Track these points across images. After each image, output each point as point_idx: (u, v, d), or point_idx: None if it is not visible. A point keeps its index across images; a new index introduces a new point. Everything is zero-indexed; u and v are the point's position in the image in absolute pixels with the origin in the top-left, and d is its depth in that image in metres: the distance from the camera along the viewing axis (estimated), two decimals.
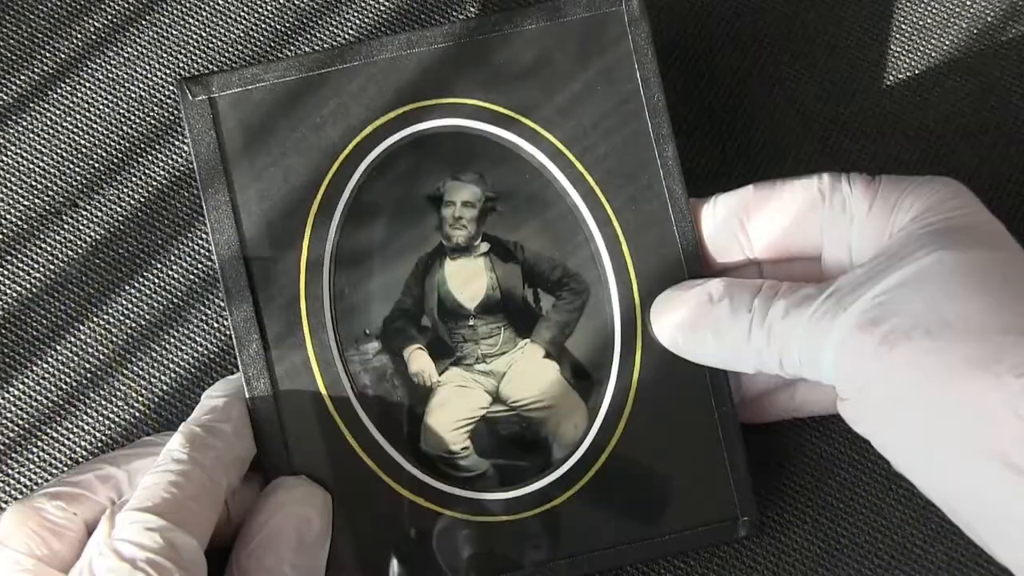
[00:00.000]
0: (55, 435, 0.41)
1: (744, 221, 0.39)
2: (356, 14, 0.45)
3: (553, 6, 0.39)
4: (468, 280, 0.39)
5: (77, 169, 0.44)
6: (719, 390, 0.38)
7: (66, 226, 0.43)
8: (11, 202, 0.43)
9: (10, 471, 0.41)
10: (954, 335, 0.32)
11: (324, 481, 0.37)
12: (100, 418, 0.41)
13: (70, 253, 0.43)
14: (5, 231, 0.43)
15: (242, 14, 0.46)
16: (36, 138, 0.44)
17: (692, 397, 0.38)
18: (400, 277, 0.38)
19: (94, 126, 0.44)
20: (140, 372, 0.42)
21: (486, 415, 0.38)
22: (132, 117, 0.44)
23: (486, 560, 0.37)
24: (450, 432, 0.38)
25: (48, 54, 0.45)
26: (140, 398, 0.41)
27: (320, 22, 0.46)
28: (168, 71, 0.45)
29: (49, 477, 0.41)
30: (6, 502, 0.40)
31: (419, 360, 0.38)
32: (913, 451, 0.33)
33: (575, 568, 0.37)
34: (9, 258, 0.43)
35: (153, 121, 0.44)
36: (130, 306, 0.42)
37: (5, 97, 0.44)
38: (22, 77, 0.45)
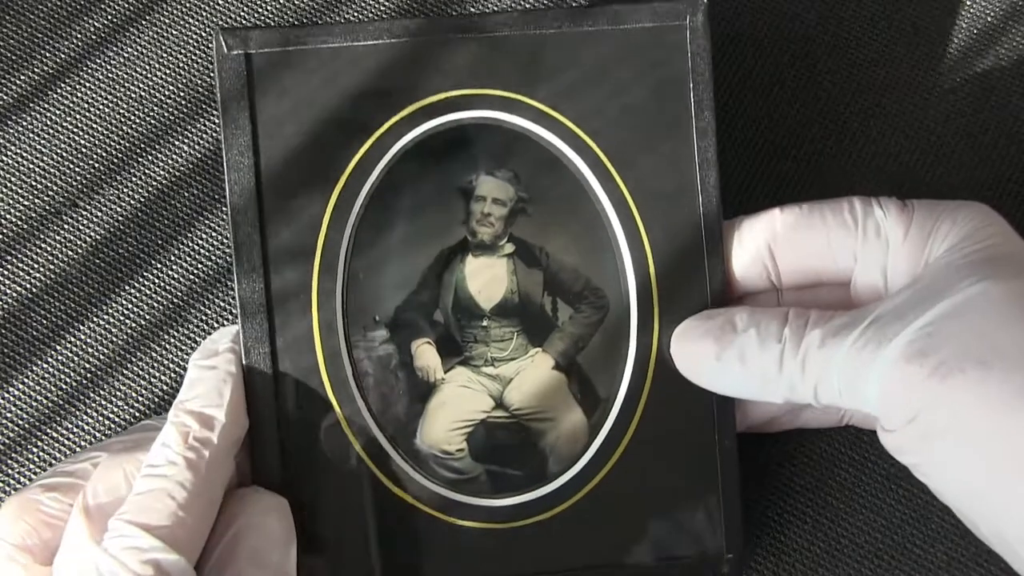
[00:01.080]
0: (55, 435, 0.41)
1: (772, 247, 0.38)
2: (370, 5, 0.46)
3: (615, 12, 0.38)
4: (488, 280, 0.38)
5: (77, 169, 0.44)
6: (724, 425, 0.38)
7: (66, 226, 0.43)
8: (11, 202, 0.43)
9: (10, 471, 0.41)
10: (1011, 364, 0.31)
11: (312, 463, 0.36)
12: (100, 418, 0.41)
13: (70, 253, 0.43)
14: (5, 231, 0.43)
15: (242, 14, 0.46)
16: (36, 138, 0.44)
17: (696, 429, 0.38)
18: (419, 267, 0.37)
19: (94, 126, 0.44)
20: (140, 372, 0.42)
21: (486, 419, 0.38)
22: (132, 117, 0.45)
23: (462, 564, 0.37)
24: (447, 432, 0.37)
25: (48, 54, 0.45)
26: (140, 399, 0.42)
27: (320, 20, 0.46)
28: (168, 71, 0.45)
29: None
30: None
31: (426, 355, 0.37)
32: (971, 483, 0.32)
33: None
34: (9, 258, 0.43)
35: (153, 121, 0.44)
36: (130, 306, 0.42)
37: (5, 97, 0.44)
38: (22, 77, 0.45)
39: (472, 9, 0.44)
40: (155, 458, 0.34)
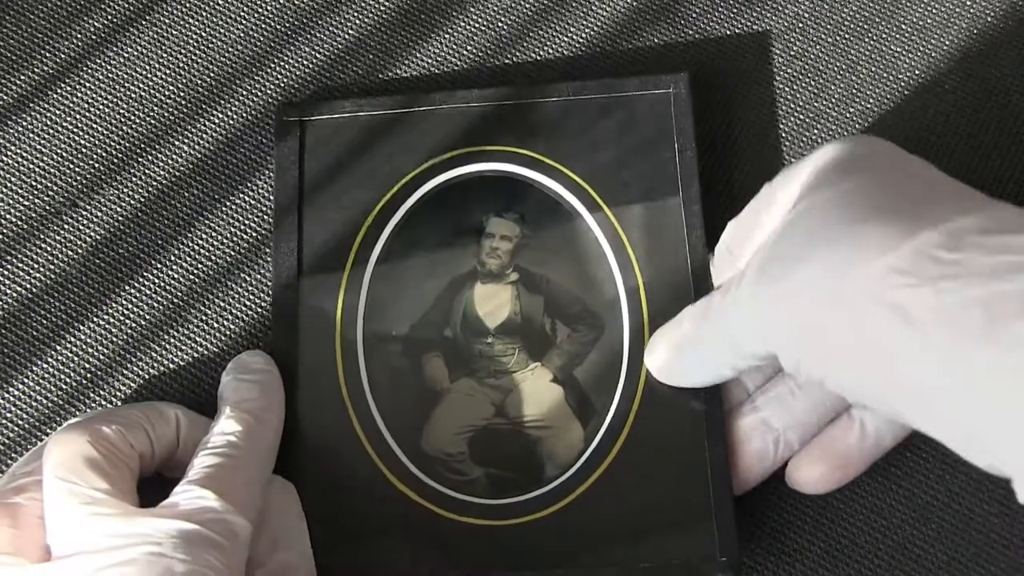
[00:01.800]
0: None
1: (735, 254, 0.39)
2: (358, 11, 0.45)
3: (609, 83, 0.43)
4: (494, 303, 0.42)
5: (77, 169, 0.44)
6: (713, 432, 0.39)
7: (66, 226, 0.43)
8: (11, 202, 0.43)
9: None
10: (825, 254, 0.32)
11: (325, 462, 0.40)
12: None
13: (70, 253, 0.43)
14: (5, 231, 0.43)
15: (242, 14, 0.46)
16: (36, 138, 0.44)
17: (686, 435, 0.40)
18: (433, 292, 0.42)
19: (94, 126, 0.44)
20: (140, 372, 0.42)
21: (488, 425, 0.40)
22: (132, 117, 0.45)
23: (461, 558, 0.39)
24: (451, 436, 0.40)
25: (48, 54, 0.45)
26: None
27: (319, 22, 0.46)
28: (168, 71, 0.45)
29: None
30: None
31: (434, 367, 0.41)
32: (815, 361, 0.33)
33: None
34: (9, 258, 0.43)
35: (153, 121, 0.44)
36: (130, 306, 0.42)
37: (5, 97, 0.44)
38: (22, 77, 0.45)
39: (492, 72, 0.45)
40: (216, 441, 0.36)
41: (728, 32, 0.46)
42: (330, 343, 0.41)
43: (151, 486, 0.37)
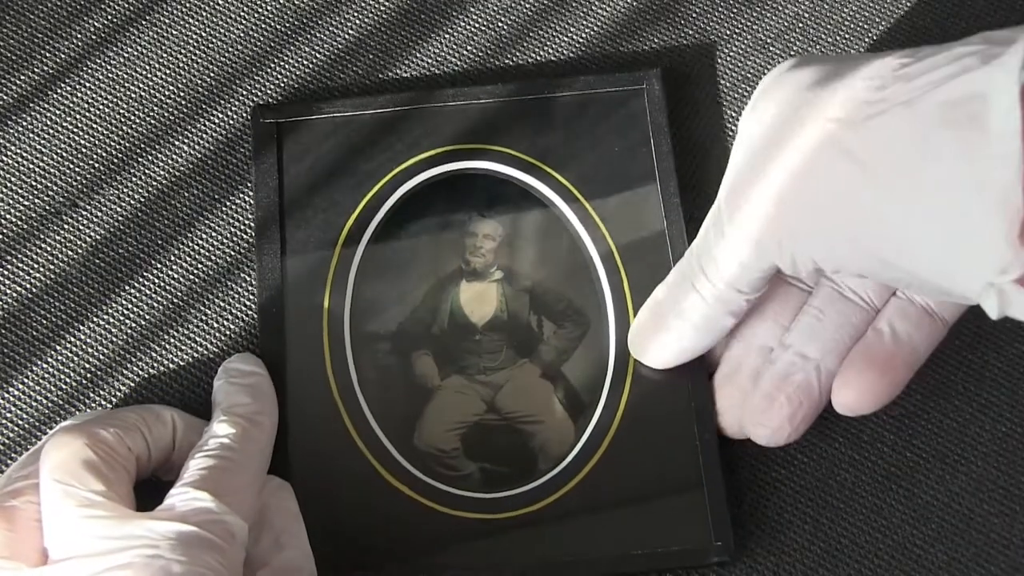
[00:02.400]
0: None
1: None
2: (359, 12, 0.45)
3: (585, 80, 0.44)
4: (480, 301, 0.42)
5: (77, 169, 0.44)
6: (704, 420, 0.40)
7: (66, 226, 0.43)
8: (11, 202, 0.43)
9: None
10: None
11: (318, 460, 0.40)
12: None
13: (70, 253, 0.43)
14: (5, 231, 0.43)
15: (242, 14, 0.46)
16: (36, 138, 0.44)
17: (676, 424, 0.40)
18: (419, 290, 0.42)
19: (94, 126, 0.44)
20: (140, 372, 0.42)
21: (479, 421, 0.41)
22: (132, 117, 0.45)
23: (456, 552, 0.39)
24: (443, 432, 0.40)
25: (48, 54, 0.45)
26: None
27: (319, 21, 0.46)
28: (168, 71, 0.45)
29: None
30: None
31: (424, 364, 0.41)
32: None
33: (549, 572, 0.39)
34: (9, 258, 0.43)
35: (153, 121, 0.44)
36: (130, 306, 0.42)
37: (5, 97, 0.44)
38: (22, 77, 0.45)
39: (468, 72, 0.46)
40: (210, 444, 0.36)
41: (727, 32, 0.46)
42: (318, 343, 0.41)
43: (147, 489, 0.37)
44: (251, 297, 0.43)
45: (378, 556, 0.39)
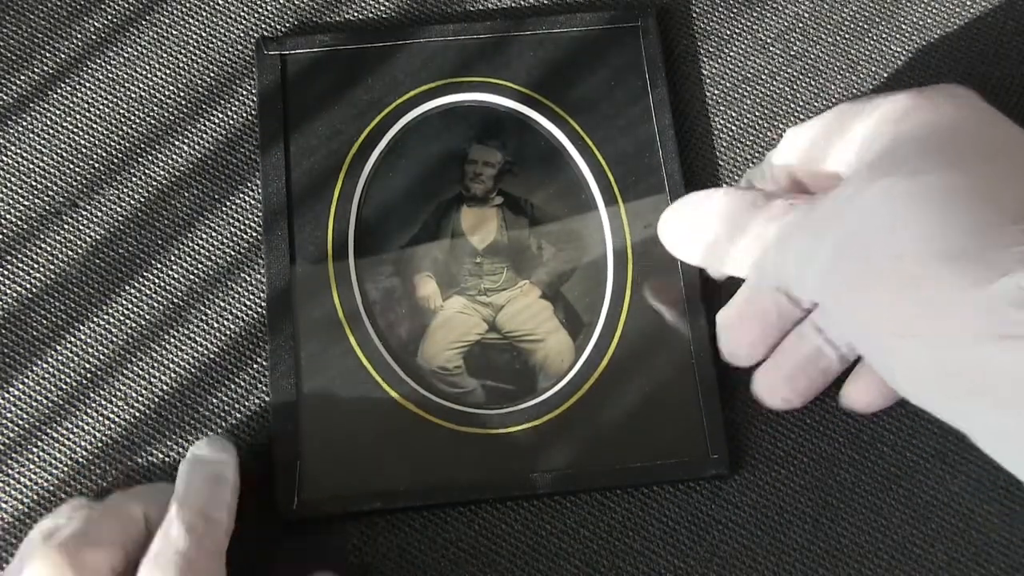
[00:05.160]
0: (55, 435, 0.41)
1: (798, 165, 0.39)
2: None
3: (583, 17, 0.46)
4: (480, 225, 0.43)
5: (77, 169, 0.44)
6: (699, 338, 0.42)
7: (66, 226, 0.43)
8: (11, 202, 0.43)
9: (10, 471, 0.41)
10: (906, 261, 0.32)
11: (325, 378, 0.41)
12: (100, 418, 0.41)
13: (70, 253, 0.43)
14: (5, 231, 0.43)
15: (242, 14, 0.46)
16: (36, 138, 0.44)
17: (672, 342, 0.42)
18: (420, 215, 0.43)
19: (94, 126, 0.44)
20: (140, 372, 0.42)
21: (481, 340, 0.42)
22: (132, 117, 0.45)
23: (460, 466, 0.40)
24: (445, 351, 0.42)
25: (48, 54, 0.45)
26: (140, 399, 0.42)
27: (324, 17, 0.46)
28: (168, 71, 0.45)
29: (49, 477, 0.41)
30: (6, 502, 0.40)
31: (426, 286, 0.43)
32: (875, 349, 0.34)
33: (551, 484, 0.40)
34: (9, 258, 0.43)
35: (153, 121, 0.44)
36: (130, 306, 0.42)
37: (5, 97, 0.44)
38: (22, 77, 0.45)
39: (469, 8, 0.46)
40: (164, 552, 0.35)
41: (727, 31, 0.46)
42: (323, 267, 0.42)
43: None
44: (252, 296, 0.43)
45: (387, 476, 0.40)
